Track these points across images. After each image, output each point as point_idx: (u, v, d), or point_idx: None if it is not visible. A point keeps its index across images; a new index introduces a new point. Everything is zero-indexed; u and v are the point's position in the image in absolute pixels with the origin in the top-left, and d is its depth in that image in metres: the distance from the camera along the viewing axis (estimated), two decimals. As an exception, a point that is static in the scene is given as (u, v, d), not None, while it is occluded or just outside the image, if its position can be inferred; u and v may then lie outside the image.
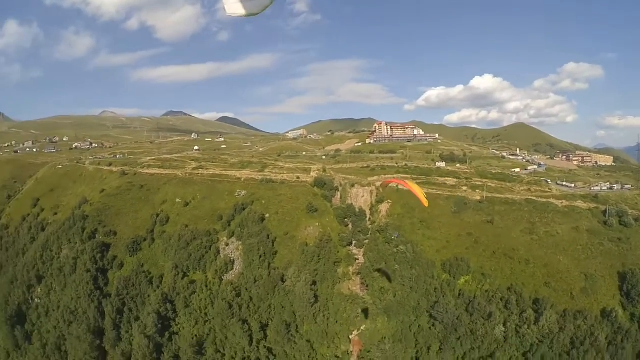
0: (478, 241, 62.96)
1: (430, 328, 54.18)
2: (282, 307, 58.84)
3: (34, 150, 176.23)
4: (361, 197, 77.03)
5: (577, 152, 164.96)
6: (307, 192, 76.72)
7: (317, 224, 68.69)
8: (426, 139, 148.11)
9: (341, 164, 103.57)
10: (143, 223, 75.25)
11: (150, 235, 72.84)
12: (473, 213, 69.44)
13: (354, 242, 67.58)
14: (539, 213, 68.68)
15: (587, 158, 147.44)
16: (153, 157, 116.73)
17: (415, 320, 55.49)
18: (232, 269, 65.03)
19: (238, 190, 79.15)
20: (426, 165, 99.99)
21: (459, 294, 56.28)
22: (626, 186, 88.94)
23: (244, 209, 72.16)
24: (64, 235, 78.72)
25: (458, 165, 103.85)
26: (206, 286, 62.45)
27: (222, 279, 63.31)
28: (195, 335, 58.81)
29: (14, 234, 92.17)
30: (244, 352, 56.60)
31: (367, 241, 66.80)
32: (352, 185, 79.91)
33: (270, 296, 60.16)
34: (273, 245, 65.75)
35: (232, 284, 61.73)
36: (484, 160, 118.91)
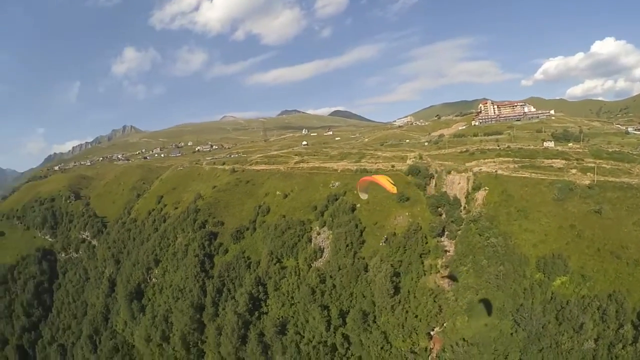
0: (581, 235, 65.95)
1: (512, 334, 59.60)
2: (363, 296, 74.97)
3: (162, 155, 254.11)
4: (457, 185, 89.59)
5: None
6: (400, 180, 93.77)
7: (407, 213, 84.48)
8: (537, 117, 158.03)
9: (441, 150, 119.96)
10: (247, 214, 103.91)
11: (252, 225, 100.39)
12: (579, 201, 72.35)
13: (446, 233, 79.77)
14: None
15: None
16: (261, 155, 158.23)
17: (497, 323, 61.90)
18: (321, 256, 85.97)
19: (332, 182, 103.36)
20: (531, 146, 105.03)
21: (551, 298, 60.19)
22: None
23: (336, 200, 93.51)
24: (179, 226, 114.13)
25: (570, 144, 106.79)
26: (295, 272, 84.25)
27: (311, 266, 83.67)
28: (281, 317, 78.80)
29: (140, 225, 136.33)
30: (321, 337, 73.56)
31: (459, 232, 77.75)
32: (448, 172, 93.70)
33: (352, 284, 77.69)
34: (361, 235, 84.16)
35: (318, 270, 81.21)
36: (603, 138, 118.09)
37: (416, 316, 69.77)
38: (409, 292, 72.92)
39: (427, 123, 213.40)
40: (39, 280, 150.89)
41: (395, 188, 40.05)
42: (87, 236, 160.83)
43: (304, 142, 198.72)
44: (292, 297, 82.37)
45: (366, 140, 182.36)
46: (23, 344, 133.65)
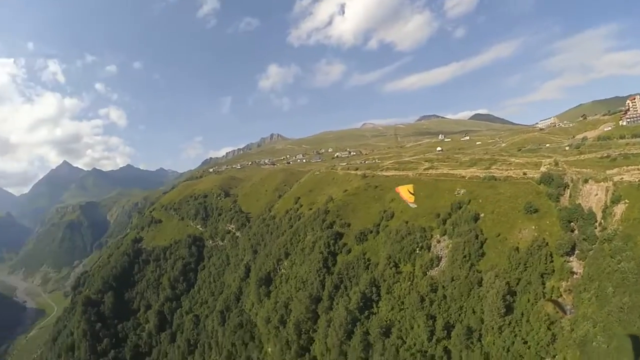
0: None
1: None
2: (473, 312, 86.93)
3: (304, 160, 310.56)
4: (593, 196, 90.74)
5: None
6: (530, 190, 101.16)
7: (534, 226, 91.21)
8: None
9: (581, 155, 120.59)
10: (372, 218, 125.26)
11: (376, 228, 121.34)
12: None
13: (575, 252, 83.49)
14: None
15: None
16: (393, 161, 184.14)
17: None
18: (437, 265, 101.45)
19: (458, 189, 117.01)
20: None
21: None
22: None
23: (459, 208, 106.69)
24: (309, 225, 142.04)
25: None
26: (409, 278, 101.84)
27: (426, 274, 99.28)
28: (388, 319, 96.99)
29: (277, 222, 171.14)
30: (422, 345, 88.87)
31: (591, 252, 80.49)
32: (585, 181, 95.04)
33: (463, 298, 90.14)
34: (481, 247, 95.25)
35: (431, 279, 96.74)
36: None
37: (525, 342, 77.07)
38: (522, 314, 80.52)
39: (572, 124, 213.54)
40: (187, 261, 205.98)
41: (413, 198, 51.86)
42: (232, 228, 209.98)
43: (439, 148, 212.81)
44: (402, 302, 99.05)
45: (503, 145, 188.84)
46: (164, 310, 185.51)
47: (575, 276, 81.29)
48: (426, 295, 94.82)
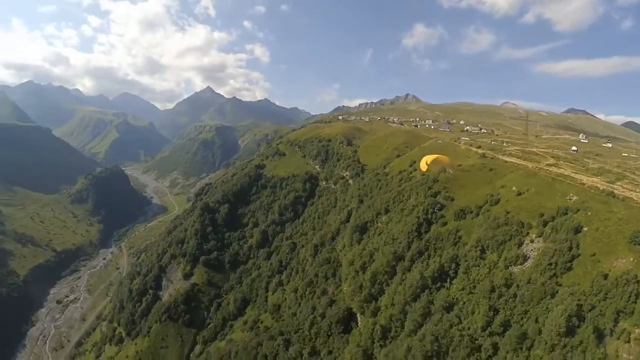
0: None
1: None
2: (536, 321, 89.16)
3: (432, 127, 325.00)
4: None
5: None
6: None
7: (633, 259, 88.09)
8: None
9: None
10: (477, 199, 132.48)
11: (477, 210, 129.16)
12: None
13: None
14: None
15: None
16: (518, 148, 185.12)
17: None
18: (521, 263, 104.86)
19: (571, 194, 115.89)
20: None
21: None
22: None
23: (565, 214, 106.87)
24: (415, 189, 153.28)
25: None
26: (490, 266, 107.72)
27: (507, 268, 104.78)
28: (453, 297, 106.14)
29: (388, 179, 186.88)
30: (474, 332, 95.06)
31: None
32: None
33: (532, 303, 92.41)
34: (571, 261, 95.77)
35: (510, 274, 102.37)
36: None
37: None
38: (580, 342, 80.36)
39: None
40: (299, 195, 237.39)
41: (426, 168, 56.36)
42: (347, 175, 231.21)
43: (574, 148, 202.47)
44: (474, 287, 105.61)
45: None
46: (268, 231, 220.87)
47: None
48: (498, 288, 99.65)
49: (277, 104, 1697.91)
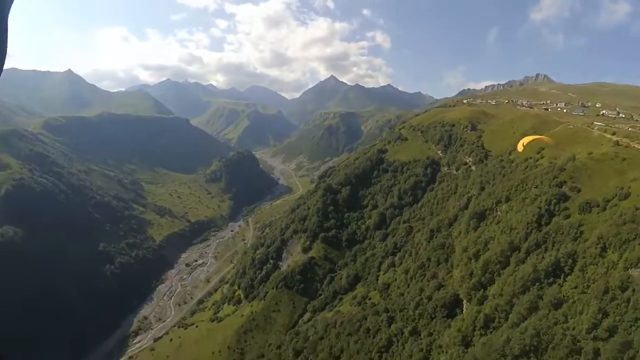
0: None
1: None
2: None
3: (564, 110, 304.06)
4: None
5: None
6: None
7: None
8: None
9: None
10: (606, 191, 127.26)
11: (605, 203, 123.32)
12: None
13: None
14: None
15: None
16: None
17: None
18: None
19: None
20: None
21: None
22: None
23: None
24: (540, 177, 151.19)
25: None
26: (608, 266, 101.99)
27: (627, 270, 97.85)
28: (565, 295, 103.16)
29: (513, 167, 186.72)
30: (578, 333, 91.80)
31: None
32: None
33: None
34: None
35: (628, 277, 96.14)
36: None
37: None
38: None
39: None
40: (419, 179, 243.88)
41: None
42: (470, 161, 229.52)
43: None
44: (588, 286, 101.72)
45: None
46: (386, 214, 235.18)
47: None
48: (612, 290, 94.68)
49: (400, 89, 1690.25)
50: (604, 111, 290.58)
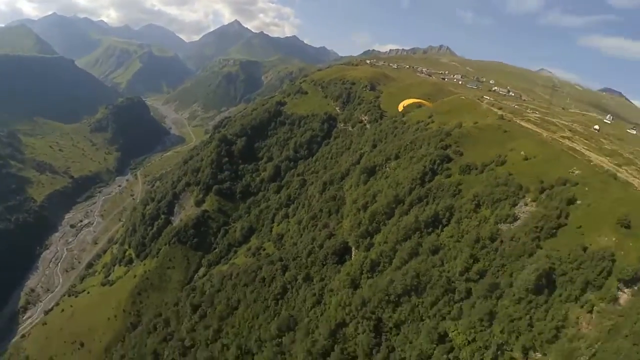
0: None
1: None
2: (510, 275, 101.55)
3: (460, 82, 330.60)
4: None
5: None
6: (637, 203, 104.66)
7: (615, 239, 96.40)
8: None
9: None
10: (485, 157, 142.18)
11: (483, 167, 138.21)
12: None
13: (636, 287, 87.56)
14: None
15: None
16: (539, 115, 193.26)
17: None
18: (510, 222, 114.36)
19: (574, 168, 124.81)
20: None
21: None
22: None
23: (564, 184, 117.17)
24: (428, 139, 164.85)
25: None
26: (480, 220, 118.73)
27: (496, 224, 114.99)
28: (440, 243, 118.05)
29: (405, 128, 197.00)
30: (452, 275, 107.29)
31: None
32: None
33: (510, 259, 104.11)
34: (557, 229, 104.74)
35: (497, 230, 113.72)
36: None
37: (531, 325, 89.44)
38: (545, 301, 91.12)
39: None
40: (315, 134, 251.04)
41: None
42: (365, 120, 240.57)
43: (596, 127, 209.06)
44: (462, 236, 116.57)
45: None
46: (281, 167, 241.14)
47: (617, 306, 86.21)
48: (483, 240, 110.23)
49: (305, 42, 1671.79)
50: (495, 88, 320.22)
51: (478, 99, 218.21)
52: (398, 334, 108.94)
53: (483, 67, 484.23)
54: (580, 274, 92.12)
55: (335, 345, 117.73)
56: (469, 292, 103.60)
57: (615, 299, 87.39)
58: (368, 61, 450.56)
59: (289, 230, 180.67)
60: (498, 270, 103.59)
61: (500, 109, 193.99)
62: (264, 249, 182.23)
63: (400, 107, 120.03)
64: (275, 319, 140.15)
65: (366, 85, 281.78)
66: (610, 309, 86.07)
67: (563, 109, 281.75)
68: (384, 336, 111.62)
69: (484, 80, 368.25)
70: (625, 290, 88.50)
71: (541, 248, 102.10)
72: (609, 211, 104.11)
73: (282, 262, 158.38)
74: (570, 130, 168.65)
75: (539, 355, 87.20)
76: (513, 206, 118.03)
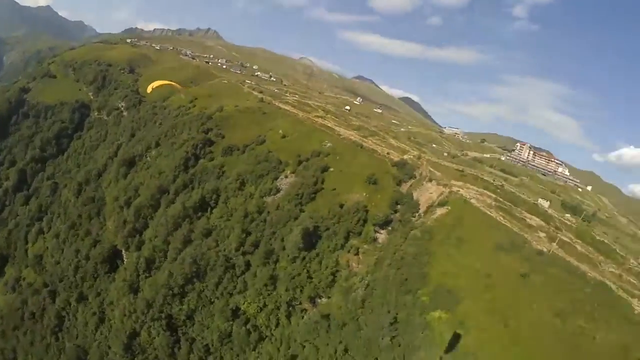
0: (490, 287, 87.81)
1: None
2: (282, 240, 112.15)
3: (224, 66, 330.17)
4: (428, 193, 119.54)
5: None
6: (383, 167, 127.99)
7: (365, 194, 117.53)
8: (569, 181, 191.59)
9: (446, 162, 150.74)
10: (246, 138, 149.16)
11: (245, 148, 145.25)
12: (513, 259, 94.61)
13: (388, 228, 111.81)
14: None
15: None
16: (297, 98, 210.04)
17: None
18: (274, 194, 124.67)
19: (326, 141, 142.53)
20: (524, 196, 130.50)
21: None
22: None
23: (317, 156, 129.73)
24: (189, 124, 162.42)
25: (568, 215, 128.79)
26: (247, 196, 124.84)
27: (262, 198, 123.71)
28: (214, 225, 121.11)
29: (165, 113, 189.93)
30: (230, 253, 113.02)
31: (397, 234, 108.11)
32: (430, 180, 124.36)
33: (279, 226, 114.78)
34: (315, 193, 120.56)
35: (263, 203, 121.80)
36: (613, 232, 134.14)
37: (310, 277, 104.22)
38: (317, 254, 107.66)
39: (469, 141, 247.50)
40: (65, 126, 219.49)
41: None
42: (122, 106, 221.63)
43: (347, 107, 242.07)
44: (232, 215, 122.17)
45: (402, 130, 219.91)
46: (27, 170, 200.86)
47: (377, 245, 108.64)
48: (251, 214, 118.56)
49: (60, 14, 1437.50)
50: (258, 73, 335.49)
51: (240, 83, 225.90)
52: (193, 324, 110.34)
53: (248, 53, 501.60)
54: (341, 226, 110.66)
55: (135, 359, 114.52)
56: (248, 264, 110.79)
57: (374, 240, 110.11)
58: (129, 40, 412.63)
59: (48, 247, 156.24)
60: (270, 239, 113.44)
61: (261, 92, 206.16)
62: (24, 278, 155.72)
63: (149, 89, 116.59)
64: (62, 356, 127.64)
65: (124, 68, 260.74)
66: (372, 248, 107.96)
67: (320, 93, 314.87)
68: (181, 330, 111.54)
69: (248, 65, 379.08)
70: (381, 231, 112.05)
71: (304, 211, 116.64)
72: (358, 173, 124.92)
73: (48, 289, 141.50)
74: (323, 111, 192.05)
75: (324, 299, 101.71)
76: (275, 180, 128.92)
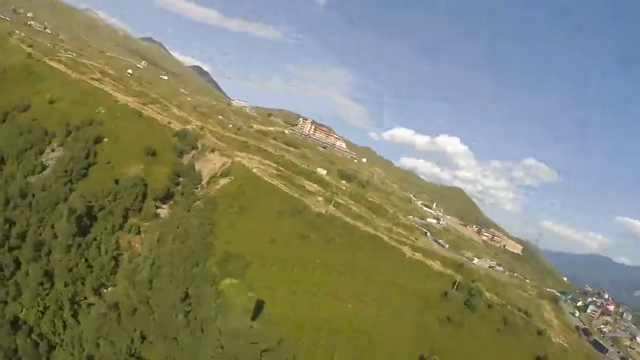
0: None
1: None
2: (52, 227, 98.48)
3: None
4: (212, 164, 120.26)
5: (491, 230, 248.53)
6: (164, 137, 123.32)
7: (143, 166, 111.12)
8: (346, 154, 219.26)
9: (230, 133, 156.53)
10: (7, 103, 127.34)
11: (5, 116, 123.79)
12: (295, 222, 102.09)
13: (170, 202, 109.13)
14: (370, 250, 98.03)
15: (498, 238, 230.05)
16: (72, 57, 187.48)
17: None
18: (39, 172, 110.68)
19: (101, 108, 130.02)
20: (305, 166, 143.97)
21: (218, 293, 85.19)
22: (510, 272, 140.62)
23: (90, 125, 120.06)
24: None
25: (344, 181, 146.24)
26: (10, 177, 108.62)
27: (25, 177, 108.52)
28: None
29: None
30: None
31: (180, 206, 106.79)
32: (212, 151, 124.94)
33: (47, 211, 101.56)
34: (87, 168, 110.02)
35: (27, 184, 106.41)
36: (384, 195, 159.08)
37: (90, 266, 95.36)
38: (95, 239, 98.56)
39: (256, 116, 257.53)
40: None
41: None
42: None
43: (129, 71, 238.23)
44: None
45: (189, 99, 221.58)
46: None
47: (160, 220, 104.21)
48: (14, 199, 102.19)
49: None
50: (32, 22, 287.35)
51: (8, 34, 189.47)
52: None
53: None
54: (118, 204, 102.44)
55: None
56: (17, 262, 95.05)
57: (156, 215, 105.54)
58: None
59: None
60: (39, 227, 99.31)
61: (30, 46, 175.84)
62: None
63: None
64: None
65: None
66: (154, 224, 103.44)
67: (101, 52, 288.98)
68: None
69: (22, 11, 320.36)
70: (163, 206, 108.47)
71: (75, 190, 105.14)
72: (135, 144, 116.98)
73: None
74: (101, 73, 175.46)
75: (110, 289, 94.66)
76: (40, 154, 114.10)
